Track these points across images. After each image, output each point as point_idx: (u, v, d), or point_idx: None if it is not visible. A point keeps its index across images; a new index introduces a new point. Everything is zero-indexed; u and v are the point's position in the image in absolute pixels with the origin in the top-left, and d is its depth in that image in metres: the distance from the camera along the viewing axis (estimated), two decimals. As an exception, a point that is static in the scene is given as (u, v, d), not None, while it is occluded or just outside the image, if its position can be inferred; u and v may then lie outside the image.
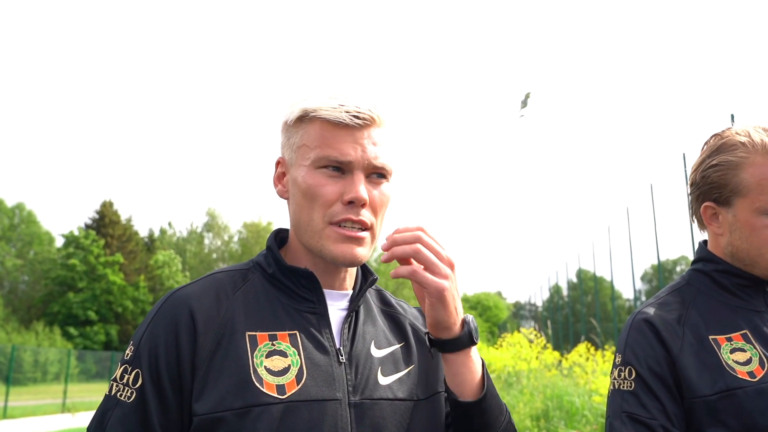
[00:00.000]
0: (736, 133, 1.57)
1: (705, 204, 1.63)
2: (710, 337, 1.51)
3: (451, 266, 1.20)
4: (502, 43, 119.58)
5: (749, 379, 1.44)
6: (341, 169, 1.25)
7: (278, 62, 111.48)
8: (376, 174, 1.28)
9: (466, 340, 1.21)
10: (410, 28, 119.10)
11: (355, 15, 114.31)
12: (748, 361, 1.47)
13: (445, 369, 1.25)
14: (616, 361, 1.60)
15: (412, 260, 1.20)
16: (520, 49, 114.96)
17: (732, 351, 1.48)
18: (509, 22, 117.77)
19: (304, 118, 1.28)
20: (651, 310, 1.59)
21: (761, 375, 1.44)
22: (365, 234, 1.27)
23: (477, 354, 1.26)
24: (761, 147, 1.51)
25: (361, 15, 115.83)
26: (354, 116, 1.22)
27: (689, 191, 1.70)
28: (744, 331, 1.52)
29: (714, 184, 1.59)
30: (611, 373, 1.63)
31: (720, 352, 1.49)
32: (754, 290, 1.58)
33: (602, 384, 8.08)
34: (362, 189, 1.23)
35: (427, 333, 1.25)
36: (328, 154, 1.24)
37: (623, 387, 1.53)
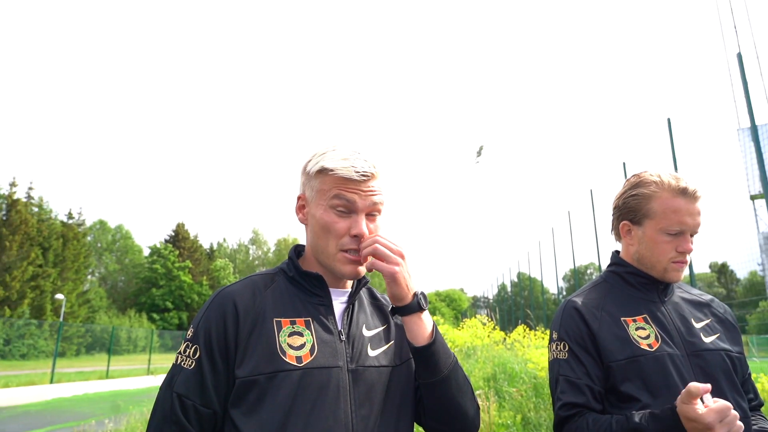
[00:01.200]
0: (650, 175, 1.56)
1: (623, 222, 1.62)
2: (621, 318, 1.51)
3: (401, 256, 1.21)
4: (461, 110, 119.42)
5: (648, 349, 1.44)
6: (348, 210, 1.25)
7: (300, 114, 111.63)
8: (372, 212, 1.28)
9: (415, 306, 1.22)
10: (395, 96, 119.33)
11: (357, 85, 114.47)
12: (647, 337, 1.46)
13: (405, 328, 1.24)
14: (553, 337, 1.58)
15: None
16: (472, 111, 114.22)
17: (636, 329, 1.48)
18: (463, 94, 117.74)
19: (322, 172, 1.27)
20: (578, 299, 1.59)
21: (657, 347, 1.44)
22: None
23: (428, 317, 1.25)
24: (668, 186, 1.51)
25: (361, 79, 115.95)
26: (362, 174, 1.23)
27: (612, 213, 1.69)
28: (644, 315, 1.52)
29: (631, 209, 1.58)
30: (549, 346, 1.61)
31: (628, 329, 1.48)
32: (652, 287, 1.57)
33: (534, 355, 8.00)
34: (364, 226, 1.25)
35: (391, 305, 1.26)
36: (341, 202, 1.24)
37: (559, 356, 1.53)
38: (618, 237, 1.68)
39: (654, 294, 1.57)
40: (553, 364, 1.54)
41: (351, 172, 1.23)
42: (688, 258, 1.52)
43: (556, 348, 1.55)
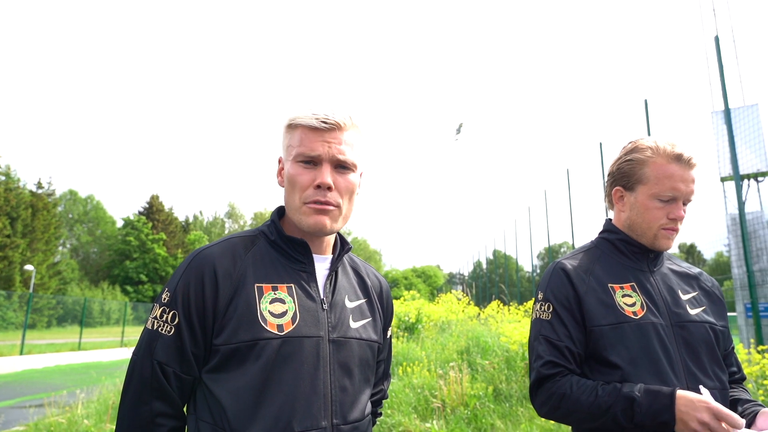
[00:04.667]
0: (646, 141, 1.54)
1: (615, 188, 1.60)
2: (609, 284, 1.49)
3: None
4: (441, 88, 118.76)
5: (632, 316, 1.43)
6: (313, 162, 1.21)
7: (283, 82, 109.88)
8: (341, 166, 1.23)
9: None
10: (383, 72, 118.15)
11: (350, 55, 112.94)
12: (633, 305, 1.46)
13: None
14: (539, 297, 1.56)
15: None
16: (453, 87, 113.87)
17: (623, 296, 1.47)
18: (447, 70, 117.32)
19: (290, 126, 1.24)
20: (567, 262, 1.57)
21: (641, 314, 1.44)
22: (332, 209, 1.22)
23: None
24: (663, 152, 1.49)
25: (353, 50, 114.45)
26: (323, 122, 1.19)
27: (606, 180, 1.66)
28: (632, 283, 1.50)
29: (625, 174, 1.56)
30: (533, 306, 1.59)
31: (615, 295, 1.47)
32: (641, 255, 1.56)
33: (507, 329, 8.16)
34: (327, 176, 1.19)
35: None
36: (303, 151, 1.20)
37: (543, 317, 1.51)
38: (610, 204, 1.66)
39: (643, 263, 1.56)
40: (535, 323, 1.53)
41: (312, 120, 1.19)
42: (679, 226, 1.51)
43: (541, 308, 1.54)
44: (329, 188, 1.20)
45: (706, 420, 1.19)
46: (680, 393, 1.26)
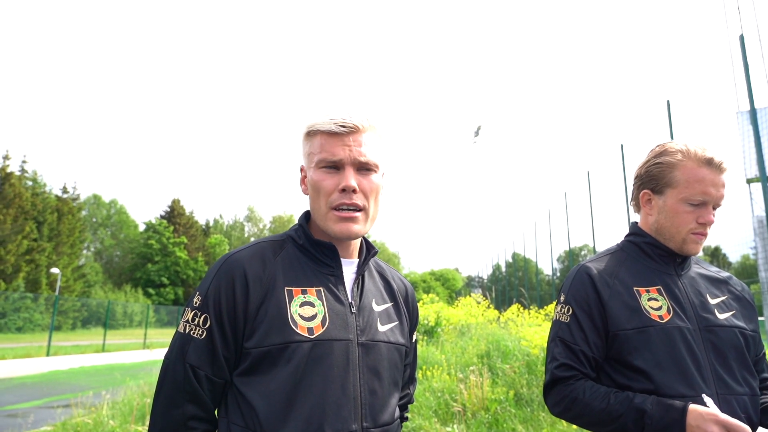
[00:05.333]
0: (676, 144, 1.53)
1: (643, 191, 1.58)
2: (634, 288, 1.48)
3: None
4: (459, 90, 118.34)
5: (658, 320, 1.42)
6: (336, 166, 1.21)
7: (301, 85, 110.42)
8: (364, 168, 1.22)
9: None
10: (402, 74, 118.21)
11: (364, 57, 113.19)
12: (659, 308, 1.44)
13: None
14: (560, 299, 1.56)
15: None
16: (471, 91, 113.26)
17: (649, 300, 1.46)
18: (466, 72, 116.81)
19: (309, 133, 1.25)
20: (591, 265, 1.55)
21: (667, 318, 1.42)
22: (358, 214, 1.22)
23: None
24: (694, 155, 1.47)
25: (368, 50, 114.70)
26: (341, 126, 1.19)
27: (633, 182, 1.64)
28: (658, 287, 1.49)
29: (653, 177, 1.54)
30: (555, 307, 1.59)
31: (640, 299, 1.46)
32: (668, 259, 1.54)
33: (527, 333, 8.07)
34: (351, 179, 1.19)
35: None
36: (324, 157, 1.20)
37: (562, 319, 1.52)
38: (637, 207, 1.64)
39: (671, 267, 1.55)
40: (555, 325, 1.54)
41: (330, 125, 1.20)
42: (708, 230, 1.49)
43: (561, 310, 1.54)
44: (354, 191, 1.20)
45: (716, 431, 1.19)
46: (692, 407, 1.25)
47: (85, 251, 53.16)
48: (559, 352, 1.48)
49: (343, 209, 1.21)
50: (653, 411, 1.28)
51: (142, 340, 28.85)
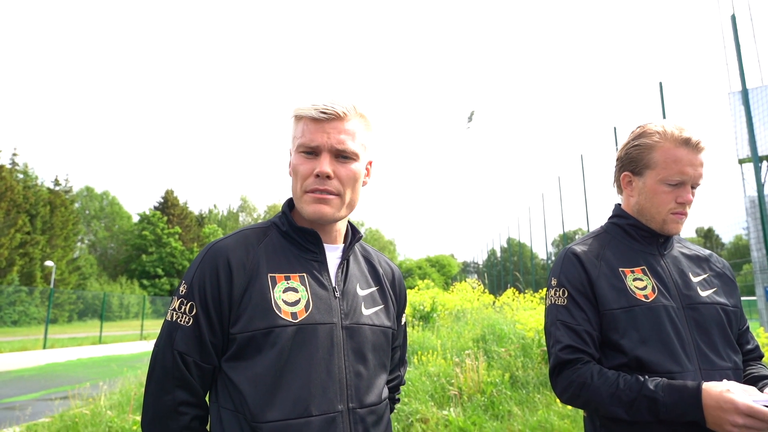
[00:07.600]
0: (654, 125, 1.53)
1: (624, 173, 1.60)
2: (620, 269, 1.50)
3: None
4: (452, 75, 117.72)
5: (644, 299, 1.44)
6: (314, 152, 1.23)
7: (291, 77, 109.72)
8: (342, 156, 1.23)
9: None
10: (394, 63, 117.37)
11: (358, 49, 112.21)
12: (644, 288, 1.46)
13: None
14: (552, 283, 1.56)
15: None
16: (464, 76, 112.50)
17: (634, 280, 1.48)
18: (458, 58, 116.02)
19: (296, 117, 1.27)
20: (578, 248, 1.57)
21: (652, 298, 1.44)
22: (332, 197, 1.23)
23: None
24: (671, 136, 1.48)
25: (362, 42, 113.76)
26: (322, 112, 1.20)
27: (615, 165, 1.66)
28: (643, 267, 1.51)
29: (633, 159, 1.56)
30: (547, 293, 1.59)
31: (626, 279, 1.48)
32: (651, 239, 1.56)
33: (522, 317, 8.14)
34: (325, 165, 1.21)
35: None
36: (303, 142, 1.23)
37: (558, 302, 1.51)
38: (619, 189, 1.66)
39: (654, 247, 1.57)
40: (551, 309, 1.53)
41: (312, 111, 1.21)
42: (687, 210, 1.51)
43: (555, 294, 1.54)
44: (328, 177, 1.22)
45: (740, 422, 1.17)
46: (705, 387, 1.23)
47: (79, 244, 52.97)
48: (561, 334, 1.47)
49: (317, 192, 1.23)
50: (666, 399, 1.27)
51: (138, 331, 28.91)
